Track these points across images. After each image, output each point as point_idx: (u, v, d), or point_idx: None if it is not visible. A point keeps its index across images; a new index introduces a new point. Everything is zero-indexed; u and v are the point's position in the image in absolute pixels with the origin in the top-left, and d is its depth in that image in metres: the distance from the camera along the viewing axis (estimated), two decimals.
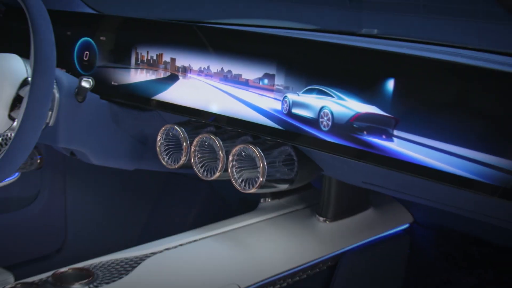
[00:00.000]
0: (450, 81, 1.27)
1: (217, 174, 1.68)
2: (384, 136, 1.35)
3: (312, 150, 1.56)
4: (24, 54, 1.70)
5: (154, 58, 1.81)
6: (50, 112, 1.71)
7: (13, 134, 1.58)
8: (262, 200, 1.99)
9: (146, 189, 2.69)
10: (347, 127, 1.40)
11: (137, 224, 2.70)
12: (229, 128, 1.68)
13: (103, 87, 1.92)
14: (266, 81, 1.56)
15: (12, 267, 2.08)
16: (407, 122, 1.30)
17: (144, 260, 1.60)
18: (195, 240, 1.73)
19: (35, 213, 2.45)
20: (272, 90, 1.54)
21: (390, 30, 1.81)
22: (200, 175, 1.73)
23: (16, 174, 2.33)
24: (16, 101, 1.64)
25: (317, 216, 1.91)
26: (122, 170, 2.06)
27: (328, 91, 1.43)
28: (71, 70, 2.01)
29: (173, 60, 1.76)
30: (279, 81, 1.53)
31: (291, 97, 1.49)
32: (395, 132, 1.33)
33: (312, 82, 1.46)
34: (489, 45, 1.49)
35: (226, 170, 1.66)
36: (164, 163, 1.80)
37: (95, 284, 1.49)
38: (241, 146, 1.62)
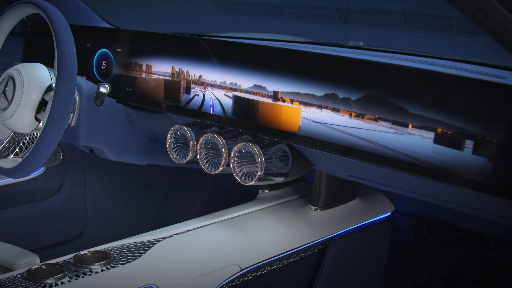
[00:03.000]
0: (428, 87, 1.27)
1: (220, 168, 1.69)
2: (368, 135, 1.35)
3: (304, 147, 1.57)
4: (48, 63, 1.70)
5: (163, 67, 1.81)
6: (72, 114, 1.72)
7: (39, 134, 1.58)
8: (260, 191, 1.99)
9: (157, 181, 2.70)
10: (336, 127, 1.41)
11: (149, 213, 2.70)
12: (231, 128, 1.69)
13: (119, 92, 1.92)
14: (259, 87, 1.56)
15: (38, 250, 2.09)
16: (389, 123, 1.31)
17: (155, 243, 1.60)
18: (200, 227, 1.72)
19: (58, 202, 2.45)
20: (263, 94, 1.55)
21: (374, 43, 1.81)
22: (205, 170, 1.73)
23: (42, 168, 2.34)
24: (42, 105, 1.65)
25: (309, 205, 1.91)
26: (135, 165, 2.06)
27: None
28: (90, 78, 2.02)
29: (180, 68, 1.76)
30: (271, 87, 1.53)
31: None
32: (378, 131, 1.33)
33: (305, 88, 1.47)
34: (461, 55, 1.49)
35: (228, 165, 1.67)
36: (173, 159, 1.81)
37: (112, 265, 1.49)
38: (241, 144, 1.62)
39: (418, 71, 1.29)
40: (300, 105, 1.47)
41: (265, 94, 1.55)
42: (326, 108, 1.41)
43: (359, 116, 1.36)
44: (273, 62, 1.55)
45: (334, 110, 1.40)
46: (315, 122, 1.44)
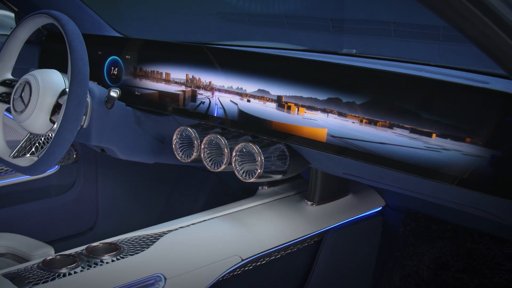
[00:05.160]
0: (416, 91, 1.27)
1: (223, 166, 1.69)
2: (360, 136, 1.35)
3: (301, 147, 1.57)
4: (62, 69, 1.70)
5: (169, 72, 1.81)
6: (84, 117, 1.72)
7: (53, 135, 1.58)
8: (260, 187, 1.99)
9: (164, 179, 2.69)
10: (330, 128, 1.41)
11: (156, 207, 2.69)
12: (233, 129, 1.69)
13: (128, 96, 1.92)
14: (263, 91, 1.56)
15: (53, 242, 2.09)
16: (380, 124, 1.31)
17: (162, 236, 1.60)
18: (204, 220, 1.73)
19: (71, 198, 2.45)
20: (268, 99, 1.55)
21: (366, 50, 1.81)
22: (209, 168, 1.73)
23: (56, 166, 2.34)
24: (56, 108, 1.64)
25: (305, 200, 1.91)
26: (144, 164, 2.06)
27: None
28: (101, 83, 2.02)
29: (185, 74, 1.76)
30: (274, 91, 1.53)
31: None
32: (370, 132, 1.33)
33: (302, 93, 1.47)
34: (448, 62, 1.49)
35: (230, 163, 1.67)
36: (179, 158, 1.81)
37: (121, 255, 1.49)
38: (242, 144, 1.62)
39: (408, 77, 1.29)
40: (306, 111, 1.46)
41: (269, 99, 1.54)
42: (331, 112, 1.41)
43: (358, 120, 1.36)
44: (275, 69, 1.54)
45: (340, 114, 1.39)
46: (340, 137, 1.41)
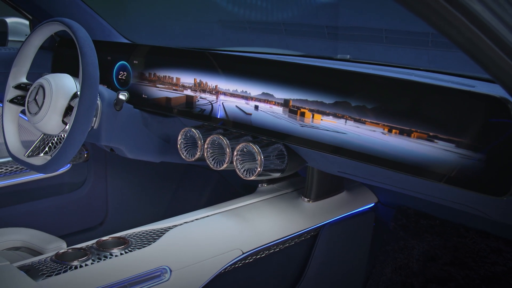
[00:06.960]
0: (406, 94, 1.27)
1: (225, 165, 1.69)
2: (354, 136, 1.35)
3: (298, 147, 1.57)
4: (74, 73, 1.70)
5: (174, 77, 1.80)
6: (94, 118, 1.72)
7: (65, 135, 1.58)
8: (259, 185, 1.99)
9: (169, 177, 2.69)
10: (327, 129, 1.41)
11: (162, 204, 2.69)
12: (234, 130, 1.69)
13: (136, 99, 1.92)
14: (267, 94, 1.56)
15: (65, 236, 2.09)
16: (372, 125, 1.31)
17: (168, 230, 1.60)
18: (207, 216, 1.73)
19: (82, 195, 2.45)
20: (274, 102, 1.54)
21: (359, 56, 1.81)
22: (211, 166, 1.73)
23: (68, 165, 2.35)
24: (68, 110, 1.65)
25: (302, 197, 1.91)
26: (150, 162, 2.05)
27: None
28: (111, 86, 2.02)
29: (190, 78, 1.76)
30: (277, 95, 1.53)
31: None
32: (363, 133, 1.33)
33: (300, 96, 1.47)
34: (436, 67, 1.49)
35: (231, 162, 1.67)
36: (183, 157, 1.81)
37: (129, 249, 1.49)
38: (243, 143, 1.62)
39: (398, 81, 1.29)
40: (324, 117, 1.45)
41: (275, 102, 1.54)
42: (338, 115, 1.41)
43: (355, 121, 1.36)
44: (275, 73, 1.54)
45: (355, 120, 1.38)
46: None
